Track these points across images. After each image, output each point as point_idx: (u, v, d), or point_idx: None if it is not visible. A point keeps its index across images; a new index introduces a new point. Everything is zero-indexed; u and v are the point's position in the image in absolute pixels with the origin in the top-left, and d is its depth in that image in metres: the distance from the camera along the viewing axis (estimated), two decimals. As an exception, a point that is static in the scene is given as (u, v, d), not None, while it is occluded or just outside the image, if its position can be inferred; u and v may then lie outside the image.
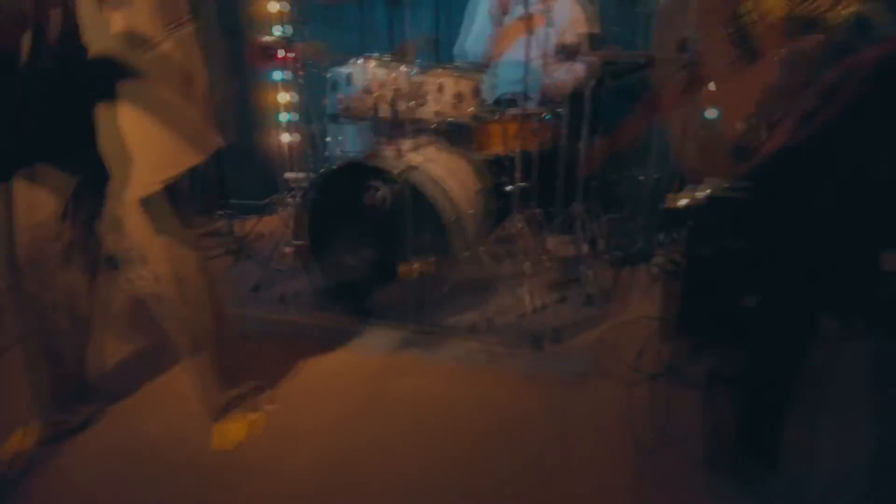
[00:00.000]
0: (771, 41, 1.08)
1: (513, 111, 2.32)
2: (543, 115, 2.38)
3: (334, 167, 2.15)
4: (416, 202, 1.99)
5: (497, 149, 2.35)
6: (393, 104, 2.15)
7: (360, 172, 2.06)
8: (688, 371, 1.86)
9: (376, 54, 2.31)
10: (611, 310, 2.25)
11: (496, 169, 2.42)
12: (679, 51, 1.61)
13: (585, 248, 2.57)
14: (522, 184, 2.25)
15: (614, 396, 1.75)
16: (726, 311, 2.00)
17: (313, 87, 2.69)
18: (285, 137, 3.05)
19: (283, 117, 3.10)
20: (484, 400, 1.74)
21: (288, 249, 2.29)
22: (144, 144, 1.22)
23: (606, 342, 2.05)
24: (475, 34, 2.91)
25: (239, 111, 3.22)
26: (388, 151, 2.10)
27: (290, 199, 2.81)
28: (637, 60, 2.31)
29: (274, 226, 3.07)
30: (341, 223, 2.12)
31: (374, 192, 2.05)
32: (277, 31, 2.89)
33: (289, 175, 2.91)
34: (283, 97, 3.07)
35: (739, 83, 1.15)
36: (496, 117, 2.31)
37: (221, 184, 3.23)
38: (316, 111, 2.79)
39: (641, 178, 2.71)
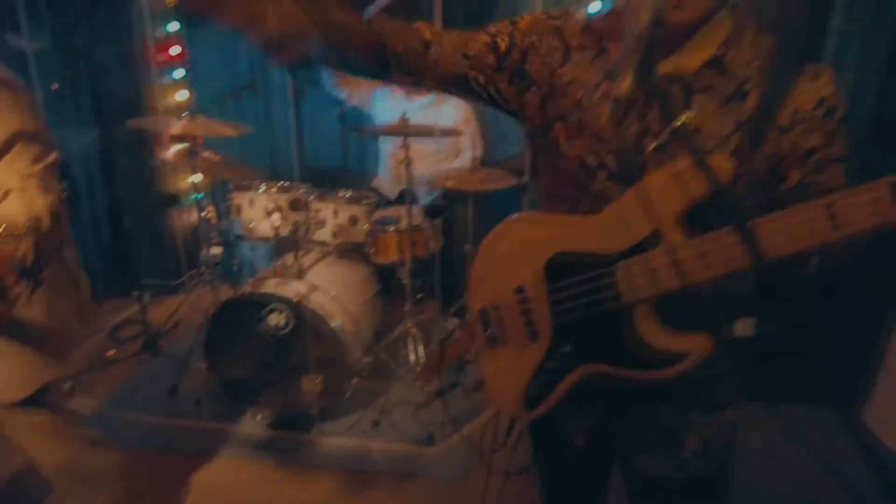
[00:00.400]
0: None
1: (402, 224, 2.60)
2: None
3: (231, 298, 2.35)
4: (314, 322, 2.26)
5: (392, 256, 2.62)
6: (292, 228, 2.39)
7: (258, 298, 2.29)
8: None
9: (279, 182, 2.53)
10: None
11: (392, 272, 2.71)
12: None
13: None
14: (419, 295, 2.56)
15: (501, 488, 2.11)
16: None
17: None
18: (196, 215, 3.20)
19: (192, 196, 3.25)
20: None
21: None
22: None
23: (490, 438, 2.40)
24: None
25: (146, 191, 3.36)
26: (286, 271, 2.34)
27: (206, 276, 2.97)
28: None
29: (191, 309, 3.20)
30: (242, 344, 2.34)
31: (272, 315, 2.29)
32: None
33: (205, 251, 3.05)
34: (193, 178, 3.21)
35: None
36: (390, 229, 2.58)
37: (129, 264, 3.36)
38: (223, 190, 2.96)
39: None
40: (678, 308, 0.97)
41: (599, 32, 1.03)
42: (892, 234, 0.80)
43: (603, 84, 0.99)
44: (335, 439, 2.31)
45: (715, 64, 0.94)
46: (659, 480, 1.15)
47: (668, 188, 0.91)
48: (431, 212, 2.50)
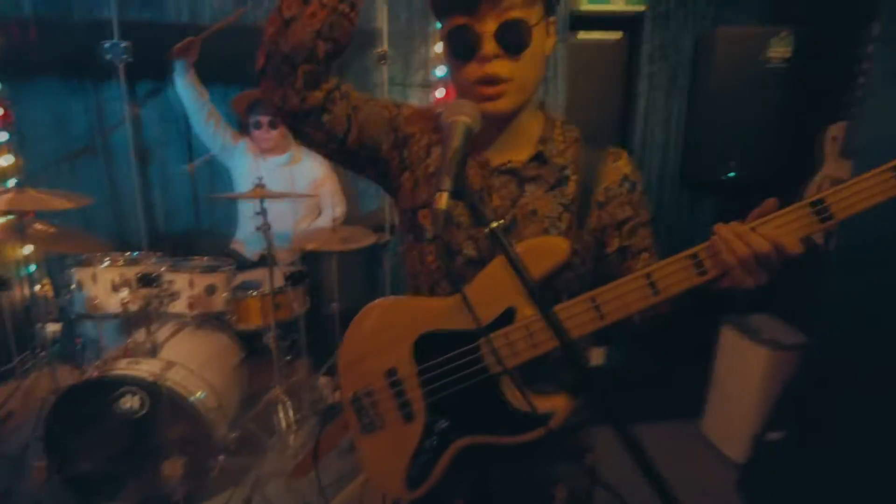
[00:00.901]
0: None
1: (265, 288, 2.55)
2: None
3: (75, 384, 2.15)
4: (172, 401, 2.13)
5: (256, 321, 2.56)
6: (143, 302, 2.25)
7: (108, 381, 2.13)
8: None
9: (126, 252, 2.38)
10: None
11: (258, 336, 2.64)
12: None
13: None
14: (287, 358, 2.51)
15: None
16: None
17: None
18: (28, 290, 2.90)
19: (23, 270, 2.95)
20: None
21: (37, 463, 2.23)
22: None
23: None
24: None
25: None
26: (138, 349, 2.20)
27: (42, 359, 2.69)
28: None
29: (25, 399, 2.85)
30: (90, 434, 2.14)
31: (124, 399, 2.13)
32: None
33: (41, 328, 2.76)
34: (24, 249, 2.92)
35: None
36: (252, 294, 2.52)
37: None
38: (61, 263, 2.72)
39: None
40: (538, 372, 1.08)
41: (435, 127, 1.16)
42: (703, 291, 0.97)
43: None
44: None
45: (537, 157, 1.11)
46: None
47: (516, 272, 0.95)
48: (294, 278, 2.48)
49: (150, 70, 3.08)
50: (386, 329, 1.15)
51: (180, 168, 3.22)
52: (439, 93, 3.31)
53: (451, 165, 0.83)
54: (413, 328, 1.14)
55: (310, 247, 2.51)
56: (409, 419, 1.16)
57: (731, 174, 2.84)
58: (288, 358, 2.81)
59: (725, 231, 0.90)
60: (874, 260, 1.99)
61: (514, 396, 1.07)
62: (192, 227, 3.32)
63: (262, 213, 2.27)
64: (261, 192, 2.29)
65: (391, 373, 1.17)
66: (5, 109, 3.02)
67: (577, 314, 1.00)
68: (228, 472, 2.31)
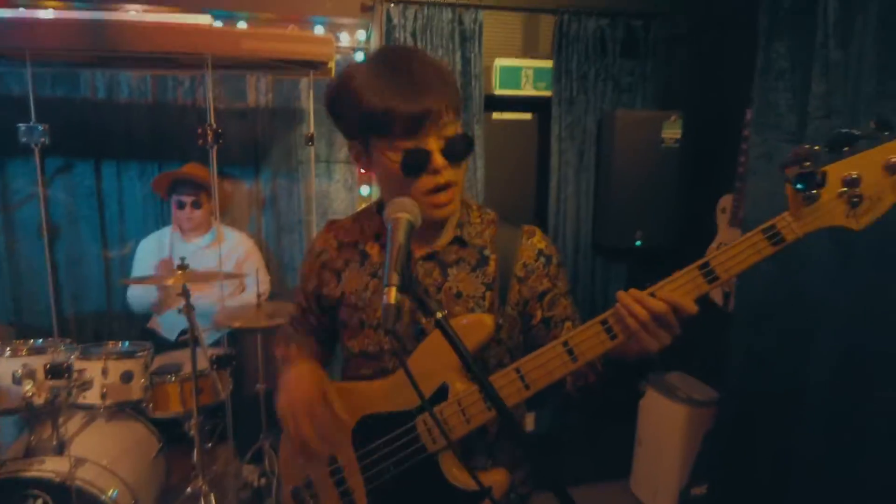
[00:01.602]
0: None
1: (185, 372, 2.43)
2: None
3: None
4: (83, 502, 1.95)
5: (176, 408, 2.42)
6: (49, 395, 2.08)
7: (11, 486, 1.92)
8: None
9: (30, 341, 2.21)
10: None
11: (178, 423, 2.48)
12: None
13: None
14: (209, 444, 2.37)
15: None
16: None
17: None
18: None
19: None
20: None
21: None
22: None
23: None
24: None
25: None
26: (44, 447, 2.01)
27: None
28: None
29: None
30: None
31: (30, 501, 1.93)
32: None
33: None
34: None
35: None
36: (171, 379, 2.39)
37: None
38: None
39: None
40: (474, 448, 1.14)
41: (353, 243, 1.24)
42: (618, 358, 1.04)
43: (370, 283, 1.19)
44: None
45: (457, 241, 1.19)
46: None
47: (446, 347, 0.93)
48: (220, 361, 2.38)
49: (62, 146, 2.98)
50: (326, 416, 1.13)
51: (92, 246, 3.07)
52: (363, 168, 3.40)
53: (396, 261, 0.87)
54: (352, 413, 1.15)
55: (236, 325, 2.43)
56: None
57: (638, 243, 3.07)
58: (209, 445, 2.64)
59: (625, 297, 0.98)
60: (767, 313, 2.20)
61: (452, 473, 1.10)
62: (103, 309, 3.13)
63: (186, 295, 2.19)
64: (184, 274, 2.22)
65: (332, 461, 1.17)
66: None
67: (505, 385, 1.05)
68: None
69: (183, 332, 2.77)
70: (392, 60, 1.08)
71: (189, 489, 2.33)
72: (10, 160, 2.99)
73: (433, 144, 1.05)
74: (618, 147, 3.04)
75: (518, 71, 3.18)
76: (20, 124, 1.99)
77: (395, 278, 0.84)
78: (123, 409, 2.34)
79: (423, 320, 1.14)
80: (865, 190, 0.89)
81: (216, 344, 2.86)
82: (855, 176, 0.89)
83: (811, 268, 1.94)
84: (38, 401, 2.05)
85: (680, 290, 0.99)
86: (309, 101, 3.10)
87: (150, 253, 2.97)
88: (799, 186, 0.90)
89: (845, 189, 0.90)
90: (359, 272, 1.21)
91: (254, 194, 3.32)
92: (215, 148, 2.15)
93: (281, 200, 3.36)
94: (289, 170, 3.34)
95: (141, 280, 2.75)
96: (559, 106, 3.19)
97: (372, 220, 1.25)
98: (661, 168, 3.01)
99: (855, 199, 0.89)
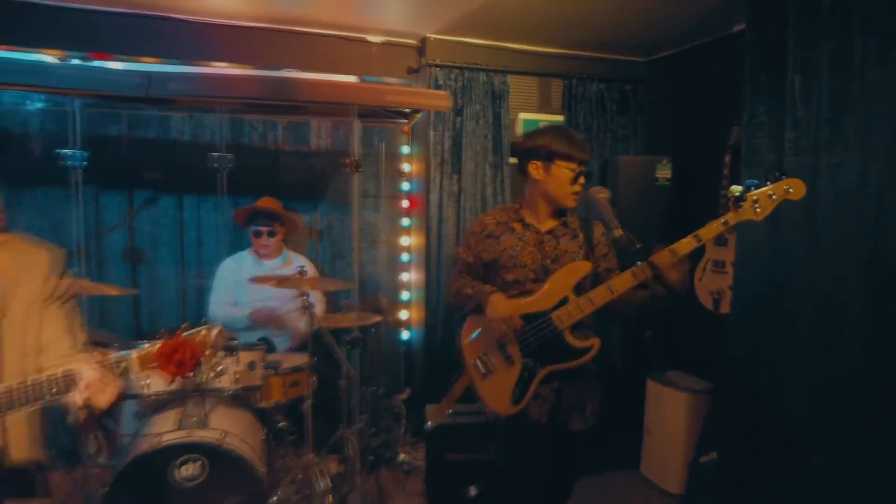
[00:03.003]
0: None
1: (287, 365, 2.86)
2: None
3: (142, 454, 2.27)
4: (235, 465, 2.33)
5: (278, 397, 2.82)
6: (196, 379, 2.47)
7: (167, 452, 2.28)
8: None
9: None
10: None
11: (277, 413, 2.88)
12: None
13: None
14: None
15: None
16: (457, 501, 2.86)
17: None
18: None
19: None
20: None
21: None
22: None
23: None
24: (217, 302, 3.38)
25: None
26: (190, 422, 2.39)
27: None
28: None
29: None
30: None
31: (183, 468, 2.29)
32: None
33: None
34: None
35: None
36: (277, 372, 2.81)
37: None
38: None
39: (380, 391, 3.53)
40: (582, 327, 1.98)
41: (505, 222, 2.15)
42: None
43: (518, 243, 2.10)
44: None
45: (562, 224, 2.08)
46: (573, 433, 2.10)
47: (567, 276, 2.01)
48: (352, 343, 2.84)
49: (150, 181, 3.43)
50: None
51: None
52: (405, 203, 3.97)
53: (613, 214, 1.74)
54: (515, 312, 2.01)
55: (342, 324, 2.92)
56: (510, 363, 2.04)
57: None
58: (291, 438, 3.02)
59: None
60: (767, 314, 2.80)
61: (571, 340, 2.00)
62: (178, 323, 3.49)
63: (306, 296, 2.67)
64: (303, 280, 2.70)
65: (499, 340, 2.05)
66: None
67: (584, 302, 1.96)
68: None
69: (261, 339, 3.19)
70: (563, 128, 2.27)
71: (300, 462, 2.71)
72: (104, 192, 3.39)
73: (582, 168, 2.07)
74: (620, 185, 3.73)
75: (536, 123, 3.86)
76: (212, 153, 2.47)
77: (617, 224, 1.71)
78: (236, 398, 2.73)
79: (550, 264, 2.06)
80: (762, 203, 1.86)
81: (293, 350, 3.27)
82: (756, 197, 1.86)
83: (787, 265, 2.60)
84: (189, 384, 2.44)
85: (683, 245, 1.87)
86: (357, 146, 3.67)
87: (229, 272, 3.39)
88: (733, 202, 1.85)
89: (753, 202, 1.85)
90: (510, 237, 2.12)
91: (312, 225, 3.81)
92: (356, 176, 2.65)
93: (335, 231, 3.86)
94: (341, 204, 3.86)
95: (264, 279, 3.11)
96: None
97: (513, 211, 2.18)
98: (656, 201, 3.72)
99: (756, 207, 1.85)
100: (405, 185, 3.96)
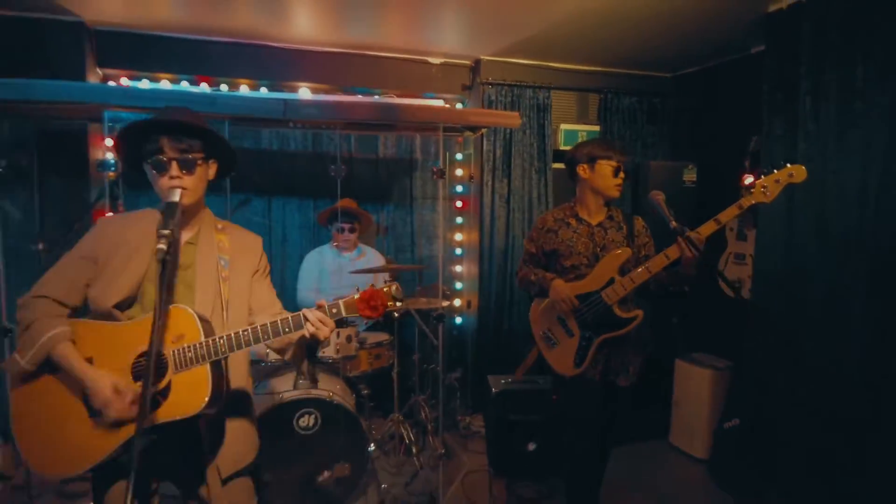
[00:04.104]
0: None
1: (371, 341, 3.39)
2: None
3: (270, 407, 2.81)
4: (343, 416, 2.87)
5: (364, 368, 3.36)
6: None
7: (288, 407, 2.83)
8: (513, 498, 3.13)
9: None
10: (456, 463, 3.40)
11: (361, 382, 3.41)
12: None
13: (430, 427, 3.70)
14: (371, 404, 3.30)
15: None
16: (516, 456, 3.36)
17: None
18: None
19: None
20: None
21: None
22: None
23: (466, 490, 3.19)
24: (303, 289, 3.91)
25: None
26: (303, 383, 2.93)
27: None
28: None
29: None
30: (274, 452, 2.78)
31: (302, 419, 2.83)
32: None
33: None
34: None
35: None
36: (363, 346, 3.34)
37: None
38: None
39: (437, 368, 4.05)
40: (627, 302, 2.44)
41: (562, 218, 2.59)
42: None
43: (574, 235, 2.54)
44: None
45: (608, 218, 2.53)
46: (620, 388, 2.57)
47: (613, 260, 2.46)
48: (438, 318, 3.33)
49: (245, 185, 3.99)
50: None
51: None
52: (459, 203, 4.49)
53: (669, 211, 2.18)
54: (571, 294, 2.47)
55: (416, 306, 3.44)
56: (570, 335, 2.49)
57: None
58: (372, 404, 3.55)
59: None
60: (785, 298, 3.27)
61: (619, 312, 2.46)
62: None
63: (395, 280, 3.19)
64: (388, 266, 3.24)
65: (559, 316, 2.51)
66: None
67: (627, 281, 2.36)
68: (372, 474, 3.03)
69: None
70: (602, 137, 2.79)
71: (388, 421, 3.23)
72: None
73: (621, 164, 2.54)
74: (650, 187, 4.21)
75: (576, 133, 4.37)
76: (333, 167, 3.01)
77: (672, 217, 2.16)
78: (333, 365, 3.26)
79: (599, 252, 2.47)
80: (770, 188, 2.25)
81: (372, 329, 3.80)
82: (764, 184, 2.25)
83: (801, 256, 3.07)
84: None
85: (706, 227, 2.32)
86: (417, 152, 4.19)
87: (313, 264, 3.93)
88: (745, 189, 2.27)
89: (762, 188, 2.24)
90: (567, 231, 2.59)
91: (379, 223, 4.35)
92: (442, 181, 3.15)
93: (398, 227, 4.40)
94: (404, 205, 4.40)
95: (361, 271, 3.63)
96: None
97: (569, 209, 2.63)
98: (683, 201, 4.19)
99: (766, 191, 2.24)
100: (459, 188, 4.48)
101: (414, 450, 3.24)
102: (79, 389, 1.63)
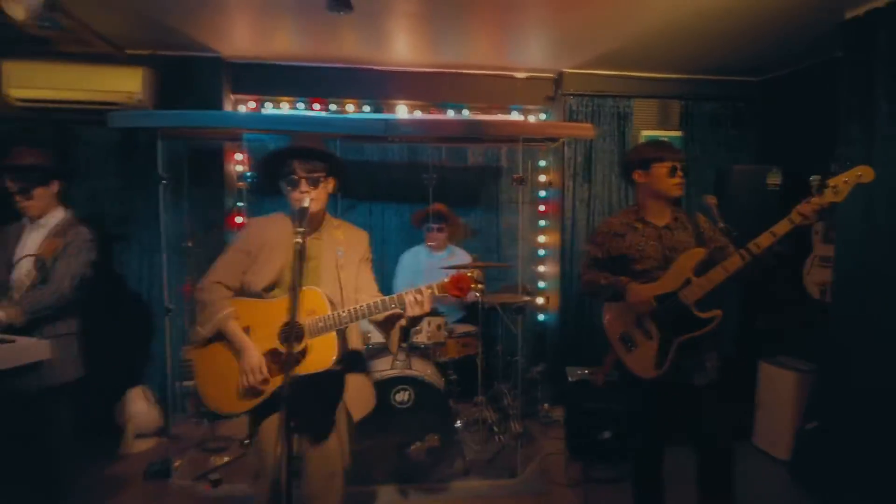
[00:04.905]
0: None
1: (459, 331, 3.77)
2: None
3: (382, 378, 3.26)
4: (433, 393, 3.26)
5: (452, 354, 3.74)
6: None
7: (387, 383, 3.26)
8: (588, 479, 3.38)
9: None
10: (534, 446, 3.70)
11: (449, 368, 3.79)
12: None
13: (511, 411, 4.03)
14: (458, 389, 3.66)
15: (562, 497, 3.16)
16: (592, 443, 3.60)
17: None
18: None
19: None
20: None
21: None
22: None
23: (544, 468, 3.48)
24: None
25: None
26: (399, 364, 3.36)
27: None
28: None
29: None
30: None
31: (398, 394, 3.25)
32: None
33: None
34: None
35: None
36: (452, 335, 3.73)
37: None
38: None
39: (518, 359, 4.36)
40: (707, 300, 2.44)
41: (628, 222, 2.62)
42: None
43: (640, 239, 2.55)
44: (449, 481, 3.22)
45: (674, 219, 2.58)
46: (700, 388, 2.49)
47: (687, 261, 2.43)
48: (518, 310, 3.68)
49: (351, 192, 4.52)
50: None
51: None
52: (542, 207, 4.78)
53: (718, 215, 2.37)
54: (650, 295, 2.52)
55: (499, 301, 3.79)
56: (649, 338, 2.52)
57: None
58: (458, 389, 3.92)
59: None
60: (865, 301, 3.28)
61: (697, 312, 2.42)
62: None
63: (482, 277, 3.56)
64: (475, 264, 3.62)
65: (636, 316, 2.54)
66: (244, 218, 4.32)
67: (704, 281, 2.40)
68: (458, 447, 3.41)
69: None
70: (652, 139, 2.72)
71: (474, 401, 3.59)
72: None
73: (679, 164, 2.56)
74: (734, 191, 4.28)
75: (657, 139, 4.51)
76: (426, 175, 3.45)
77: (720, 219, 2.32)
78: (424, 351, 3.67)
79: (669, 253, 2.53)
80: (839, 188, 2.22)
81: (460, 321, 4.18)
82: (834, 184, 2.23)
83: (879, 258, 3.09)
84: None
85: (780, 227, 2.33)
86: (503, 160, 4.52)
87: (409, 262, 4.38)
88: (815, 189, 2.25)
89: (832, 188, 2.22)
90: (634, 235, 2.59)
91: (467, 225, 4.73)
92: (520, 188, 3.50)
93: (485, 230, 4.76)
94: (490, 209, 4.75)
95: (453, 266, 4.07)
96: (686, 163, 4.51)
97: (633, 213, 2.64)
98: (766, 205, 4.23)
99: (835, 191, 2.22)
100: (542, 193, 4.77)
101: (496, 429, 3.57)
102: (238, 354, 2.15)
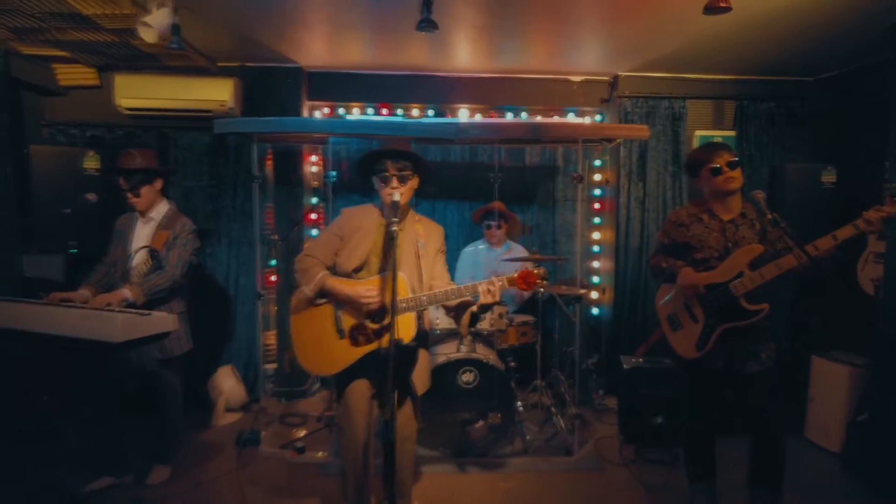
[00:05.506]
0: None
1: (518, 320, 4.03)
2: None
3: (449, 360, 3.56)
4: (496, 375, 3.53)
5: (511, 342, 4.00)
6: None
7: (454, 365, 3.55)
8: (641, 460, 3.58)
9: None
10: (589, 431, 3.92)
11: (509, 355, 4.06)
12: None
13: (568, 397, 4.27)
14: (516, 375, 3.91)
15: (616, 475, 3.38)
16: (645, 427, 3.79)
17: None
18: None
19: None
20: (551, 490, 3.25)
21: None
22: None
23: (598, 449, 3.70)
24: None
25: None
26: (462, 348, 3.64)
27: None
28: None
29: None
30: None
31: (463, 375, 3.53)
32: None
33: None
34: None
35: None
36: (512, 323, 3.99)
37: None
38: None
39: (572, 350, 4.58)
40: (755, 294, 2.62)
41: (694, 214, 2.81)
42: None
43: (705, 231, 2.74)
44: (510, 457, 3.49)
45: (741, 215, 2.75)
46: (751, 375, 2.67)
47: (744, 255, 2.61)
48: (575, 299, 3.92)
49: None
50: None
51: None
52: (597, 205, 4.98)
53: (766, 207, 2.51)
54: (700, 282, 2.72)
55: (558, 292, 4.04)
56: (695, 321, 2.74)
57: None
58: (517, 375, 4.17)
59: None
60: None
61: (745, 304, 2.61)
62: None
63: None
64: (533, 256, 3.87)
65: (685, 300, 2.74)
66: (318, 215, 4.70)
67: (756, 276, 2.56)
68: (518, 427, 3.69)
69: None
70: (706, 145, 2.80)
71: (532, 385, 3.84)
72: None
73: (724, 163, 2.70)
74: (788, 189, 4.38)
75: (711, 138, 4.65)
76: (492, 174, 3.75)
77: (767, 211, 2.47)
78: (487, 338, 3.94)
79: (731, 247, 2.69)
80: None
81: (519, 311, 4.44)
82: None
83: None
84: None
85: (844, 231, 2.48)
86: (559, 160, 4.74)
87: (469, 256, 4.67)
88: (890, 196, 2.40)
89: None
90: (699, 226, 2.78)
91: (524, 222, 4.98)
92: (580, 185, 3.74)
93: (541, 226, 5.00)
94: (547, 206, 4.99)
95: (514, 258, 4.34)
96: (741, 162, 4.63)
97: (702, 205, 2.82)
98: (821, 203, 4.31)
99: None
100: (597, 191, 4.97)
101: (553, 411, 3.81)
102: (330, 318, 2.48)
